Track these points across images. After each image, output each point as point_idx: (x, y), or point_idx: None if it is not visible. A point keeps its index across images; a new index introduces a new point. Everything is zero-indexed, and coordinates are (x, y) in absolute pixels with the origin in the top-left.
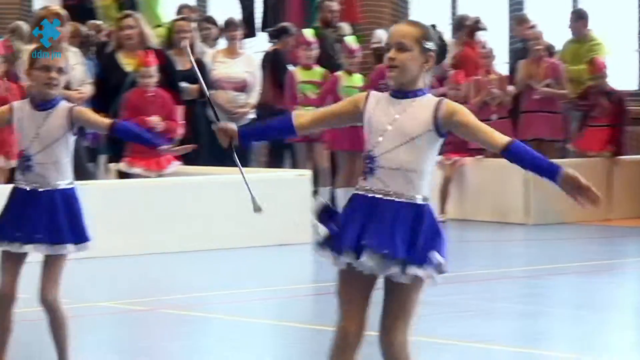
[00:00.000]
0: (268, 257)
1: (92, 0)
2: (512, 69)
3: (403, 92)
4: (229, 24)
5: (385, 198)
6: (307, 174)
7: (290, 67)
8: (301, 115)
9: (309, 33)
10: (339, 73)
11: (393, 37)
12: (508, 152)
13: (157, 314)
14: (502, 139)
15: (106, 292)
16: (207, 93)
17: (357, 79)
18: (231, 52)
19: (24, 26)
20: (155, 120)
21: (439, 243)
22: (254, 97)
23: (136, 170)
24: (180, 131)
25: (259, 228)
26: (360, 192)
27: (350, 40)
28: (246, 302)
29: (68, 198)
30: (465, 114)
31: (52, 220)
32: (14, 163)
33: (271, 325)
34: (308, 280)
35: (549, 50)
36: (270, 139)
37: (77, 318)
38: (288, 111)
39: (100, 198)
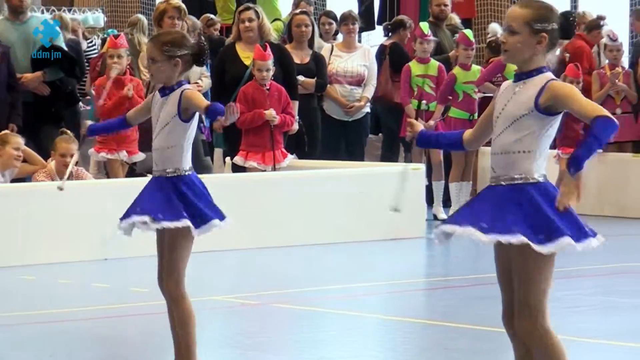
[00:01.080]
0: (380, 251)
1: None
2: (634, 64)
3: (518, 75)
4: (346, 17)
5: (494, 184)
6: (421, 167)
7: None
8: (468, 132)
9: (424, 26)
10: (455, 70)
11: (505, 21)
12: (591, 124)
13: (270, 309)
14: (594, 111)
15: (219, 286)
16: None
17: (474, 73)
18: (348, 45)
19: (144, 19)
20: (271, 113)
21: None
22: (369, 91)
23: (251, 163)
24: (295, 125)
25: (372, 222)
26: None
27: (467, 34)
28: (358, 296)
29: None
30: (562, 87)
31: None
32: (137, 158)
33: (383, 320)
34: (420, 274)
35: None
36: (441, 147)
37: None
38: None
39: (215, 191)
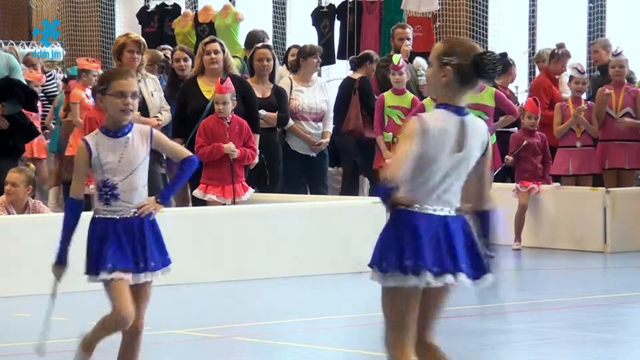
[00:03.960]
0: (342, 284)
1: (170, 27)
2: (591, 97)
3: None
4: (308, 51)
5: None
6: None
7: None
8: None
9: (396, 58)
10: (425, 101)
11: None
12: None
13: (231, 342)
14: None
15: (182, 320)
16: None
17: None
18: (306, 79)
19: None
20: (229, 147)
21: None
22: (329, 125)
23: (211, 197)
24: (255, 159)
25: (333, 255)
26: None
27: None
28: (319, 329)
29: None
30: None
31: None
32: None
33: (345, 353)
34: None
35: (630, 77)
36: None
37: (155, 345)
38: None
39: (175, 225)
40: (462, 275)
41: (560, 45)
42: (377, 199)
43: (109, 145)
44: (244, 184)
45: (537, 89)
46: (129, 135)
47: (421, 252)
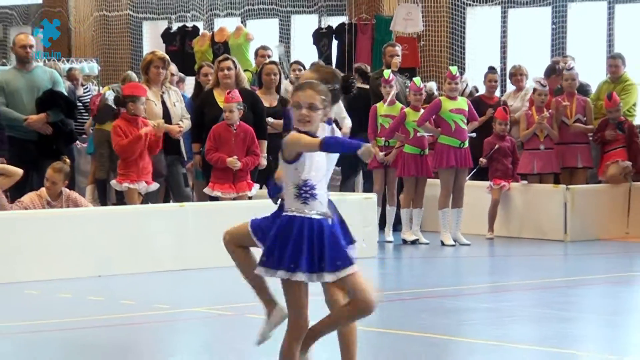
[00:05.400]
0: None
1: (191, 46)
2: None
3: None
4: (311, 66)
5: None
6: (372, 197)
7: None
8: None
9: (386, 73)
10: (407, 109)
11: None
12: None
13: (244, 319)
14: None
15: (200, 300)
16: None
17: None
18: None
19: (133, 75)
20: (232, 161)
21: None
22: (347, 125)
23: (216, 193)
24: (264, 161)
25: None
26: None
27: (416, 82)
28: (323, 308)
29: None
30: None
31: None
32: (152, 187)
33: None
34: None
35: (585, 89)
36: None
37: (176, 322)
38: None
39: (194, 218)
40: None
41: (557, 61)
42: (371, 195)
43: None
44: (249, 181)
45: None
46: None
47: None
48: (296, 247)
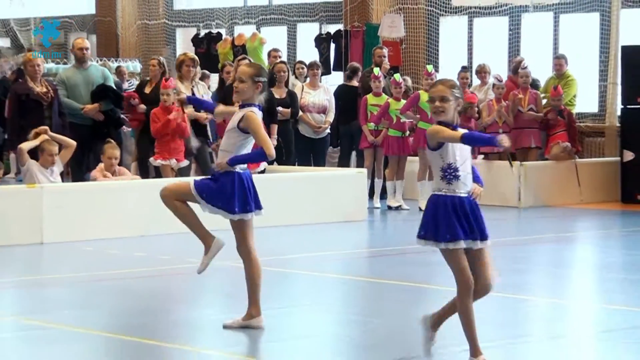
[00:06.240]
0: (336, 230)
1: (215, 48)
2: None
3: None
4: (312, 65)
5: None
6: (363, 171)
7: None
8: None
9: (376, 70)
10: (390, 100)
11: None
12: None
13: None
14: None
15: (221, 255)
16: None
17: (401, 103)
18: (313, 85)
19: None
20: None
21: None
22: (330, 117)
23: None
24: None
25: (331, 209)
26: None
27: (396, 77)
28: (320, 261)
29: None
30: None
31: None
32: (183, 164)
33: (338, 278)
34: (364, 246)
35: (535, 84)
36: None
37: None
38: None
39: None
40: None
41: (519, 60)
42: (362, 169)
43: None
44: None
45: (507, 92)
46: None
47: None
48: (448, 220)
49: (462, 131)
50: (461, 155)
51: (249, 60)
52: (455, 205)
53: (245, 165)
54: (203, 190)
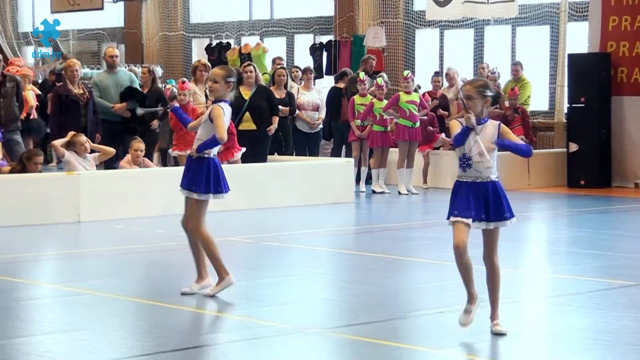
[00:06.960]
0: (326, 210)
1: (225, 56)
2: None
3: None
4: (305, 70)
5: None
6: (351, 160)
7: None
8: None
9: (362, 74)
10: (373, 100)
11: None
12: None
13: (261, 245)
14: None
15: (229, 231)
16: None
17: (383, 103)
18: (307, 87)
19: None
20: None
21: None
22: (322, 114)
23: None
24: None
25: (322, 192)
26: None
27: (379, 80)
28: (313, 237)
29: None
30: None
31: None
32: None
33: (330, 252)
34: (351, 224)
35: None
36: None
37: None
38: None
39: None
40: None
41: (492, 71)
42: (349, 159)
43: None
44: (238, 147)
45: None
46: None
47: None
48: (462, 201)
49: (458, 131)
50: (471, 148)
51: (253, 67)
52: (469, 189)
53: (215, 152)
54: (188, 184)
